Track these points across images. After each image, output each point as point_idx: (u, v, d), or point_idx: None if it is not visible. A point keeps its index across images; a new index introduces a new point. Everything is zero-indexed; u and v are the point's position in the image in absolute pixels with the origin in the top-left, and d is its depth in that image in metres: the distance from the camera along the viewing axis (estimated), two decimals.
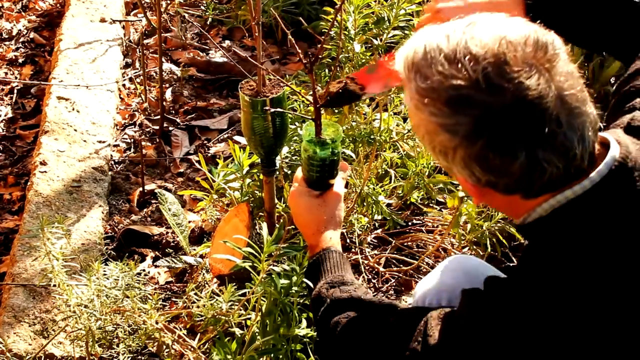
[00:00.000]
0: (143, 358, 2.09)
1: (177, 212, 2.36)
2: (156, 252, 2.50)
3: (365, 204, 2.36)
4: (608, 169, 1.18)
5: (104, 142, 2.88)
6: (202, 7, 3.71)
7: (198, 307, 1.87)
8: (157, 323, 1.88)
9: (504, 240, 2.23)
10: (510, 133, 1.12)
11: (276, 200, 2.03)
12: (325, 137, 1.69)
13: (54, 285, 1.84)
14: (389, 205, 2.50)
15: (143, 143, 2.95)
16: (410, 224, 2.56)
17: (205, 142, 3.01)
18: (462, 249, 2.41)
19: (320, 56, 2.05)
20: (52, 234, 1.78)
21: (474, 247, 2.33)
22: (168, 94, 3.22)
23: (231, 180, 2.23)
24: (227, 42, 3.52)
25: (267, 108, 1.73)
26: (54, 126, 2.84)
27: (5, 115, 3.11)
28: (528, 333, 1.18)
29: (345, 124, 2.34)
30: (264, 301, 1.69)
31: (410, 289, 2.34)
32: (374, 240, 2.51)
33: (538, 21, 1.20)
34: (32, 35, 3.57)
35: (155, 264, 2.44)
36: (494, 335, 1.20)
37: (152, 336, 1.96)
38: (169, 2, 3.49)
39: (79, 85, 3.08)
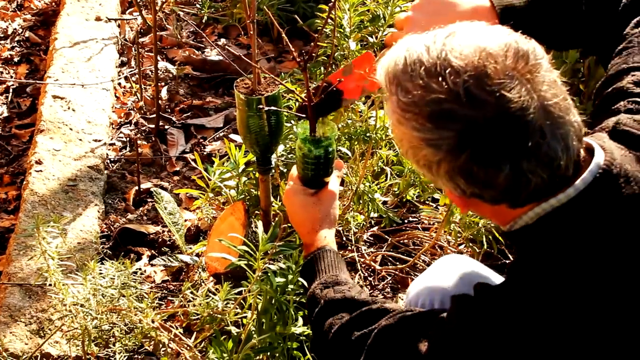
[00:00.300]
0: (139, 357, 2.09)
1: (173, 210, 2.36)
2: (152, 251, 2.50)
3: (361, 201, 2.35)
4: (592, 176, 1.18)
5: (99, 140, 2.88)
6: (198, 5, 3.70)
7: (194, 305, 1.87)
8: (153, 322, 1.88)
9: (500, 238, 2.23)
10: (494, 146, 1.11)
11: (272, 199, 2.03)
12: (319, 135, 1.69)
13: (50, 285, 1.84)
14: (385, 202, 2.51)
15: (139, 142, 2.95)
16: (406, 221, 2.56)
17: (201, 140, 3.01)
18: (458, 247, 2.41)
19: (314, 54, 2.04)
20: (47, 233, 1.78)
21: (470, 244, 2.34)
22: (164, 93, 3.22)
23: (227, 178, 2.22)
24: (223, 41, 3.52)
25: (261, 106, 1.73)
26: (49, 125, 2.83)
27: (0, 115, 3.11)
28: (516, 340, 1.18)
29: (341, 121, 2.34)
30: (260, 299, 1.69)
31: (406, 287, 2.34)
32: (370, 237, 2.51)
33: (519, 30, 1.19)
34: (27, 34, 3.56)
35: (151, 262, 2.44)
36: (482, 343, 1.20)
37: (149, 335, 1.96)
38: (164, 0, 3.48)
39: (74, 84, 3.07)
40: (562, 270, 1.18)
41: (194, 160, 2.80)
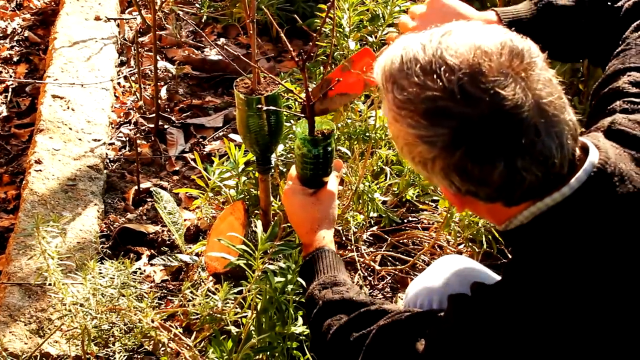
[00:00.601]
0: (139, 357, 2.09)
1: (173, 210, 2.36)
2: (152, 251, 2.50)
3: (360, 201, 2.36)
4: (587, 175, 1.18)
5: (99, 140, 2.88)
6: (197, 5, 3.70)
7: (194, 305, 1.88)
8: (152, 321, 1.88)
9: (499, 237, 2.23)
10: (489, 143, 1.12)
11: (272, 198, 2.03)
12: (318, 134, 1.69)
13: (50, 284, 1.84)
14: (384, 202, 2.50)
15: (138, 141, 2.95)
16: (406, 221, 2.56)
17: (201, 140, 3.01)
18: (457, 246, 2.41)
19: (313, 54, 2.04)
20: (47, 232, 1.78)
21: (470, 244, 2.34)
22: (163, 92, 3.22)
23: (227, 178, 2.22)
24: (222, 40, 3.52)
25: (261, 106, 1.73)
26: (49, 125, 2.83)
27: (0, 114, 3.11)
28: (512, 339, 1.18)
29: (340, 121, 2.34)
30: (260, 299, 1.69)
31: (405, 287, 2.34)
32: (369, 237, 2.51)
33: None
34: (26, 33, 3.56)
35: (150, 262, 2.44)
36: (478, 342, 1.21)
37: (148, 335, 1.96)
38: None
39: (73, 83, 3.07)
40: (557, 269, 1.18)
41: (194, 160, 2.80)
